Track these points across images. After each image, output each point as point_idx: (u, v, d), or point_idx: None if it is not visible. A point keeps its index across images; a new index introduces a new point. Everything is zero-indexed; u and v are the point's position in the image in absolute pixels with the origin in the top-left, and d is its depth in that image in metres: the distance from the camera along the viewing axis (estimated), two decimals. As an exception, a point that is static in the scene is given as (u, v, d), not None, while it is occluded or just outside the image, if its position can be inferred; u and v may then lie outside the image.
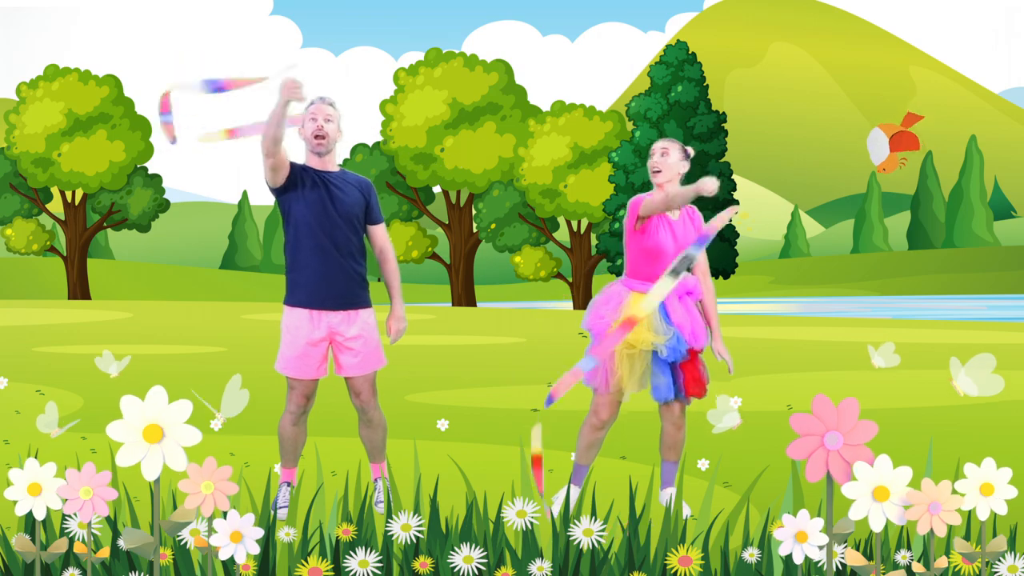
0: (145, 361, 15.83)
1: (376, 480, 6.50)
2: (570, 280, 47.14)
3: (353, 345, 6.30)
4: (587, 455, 6.57)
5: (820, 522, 4.20)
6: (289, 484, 6.40)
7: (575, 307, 45.95)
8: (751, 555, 4.79)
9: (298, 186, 6.23)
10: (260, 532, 4.26)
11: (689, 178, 39.82)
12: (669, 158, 6.48)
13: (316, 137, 6.27)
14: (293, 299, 6.33)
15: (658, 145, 6.52)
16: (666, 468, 6.57)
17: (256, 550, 4.26)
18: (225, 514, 4.25)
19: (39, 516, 4.39)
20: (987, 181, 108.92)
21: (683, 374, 6.44)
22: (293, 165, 6.25)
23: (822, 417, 4.08)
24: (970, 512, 4.47)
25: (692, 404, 6.66)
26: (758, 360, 16.68)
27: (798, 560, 4.18)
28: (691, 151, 6.60)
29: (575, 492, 6.24)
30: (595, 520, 4.85)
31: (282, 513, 6.14)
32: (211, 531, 4.34)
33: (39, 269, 71.71)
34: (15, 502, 4.38)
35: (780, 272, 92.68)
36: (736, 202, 40.40)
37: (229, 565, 4.70)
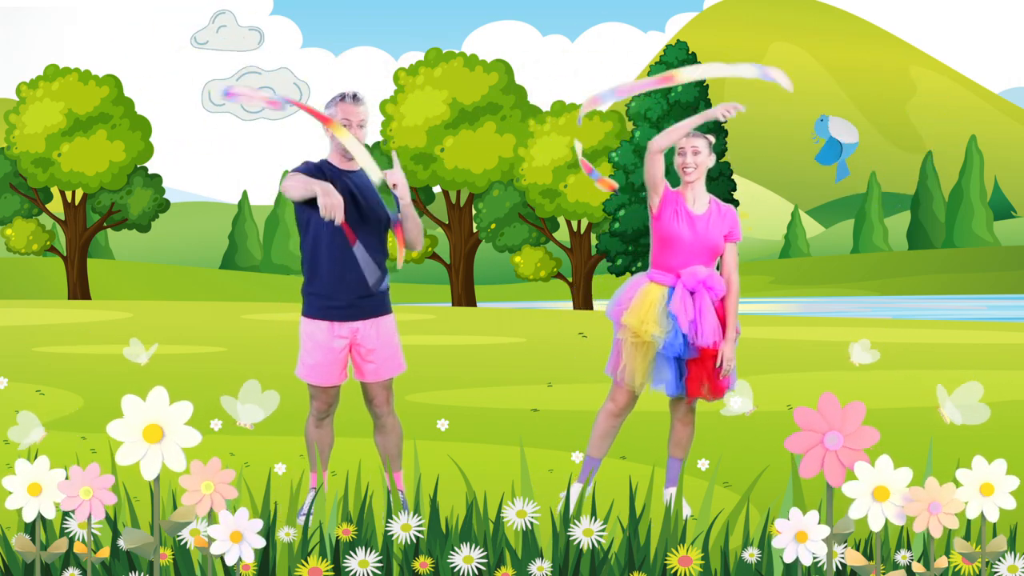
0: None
1: (400, 490, 6.21)
2: (570, 280, 47.11)
3: (372, 350, 6.12)
4: (600, 445, 6.47)
5: (818, 518, 4.19)
6: (314, 490, 6.15)
7: (575, 307, 45.91)
8: (751, 555, 4.79)
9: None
10: (260, 528, 4.26)
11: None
12: (700, 157, 6.42)
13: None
14: (311, 311, 6.10)
15: (689, 144, 6.39)
16: (671, 465, 6.50)
17: (260, 543, 4.25)
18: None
19: (46, 515, 4.38)
20: (987, 181, 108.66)
21: (688, 372, 6.37)
22: (311, 171, 5.99)
23: (826, 415, 4.06)
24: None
25: (704, 403, 6.57)
26: (758, 360, 16.67)
27: (804, 560, 4.18)
28: (713, 139, 6.52)
29: (576, 491, 6.18)
30: (595, 520, 4.84)
31: (301, 520, 5.60)
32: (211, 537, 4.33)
33: (39, 269, 71.65)
34: (20, 509, 4.38)
35: (780, 272, 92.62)
36: (736, 202, 40.39)
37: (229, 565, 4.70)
